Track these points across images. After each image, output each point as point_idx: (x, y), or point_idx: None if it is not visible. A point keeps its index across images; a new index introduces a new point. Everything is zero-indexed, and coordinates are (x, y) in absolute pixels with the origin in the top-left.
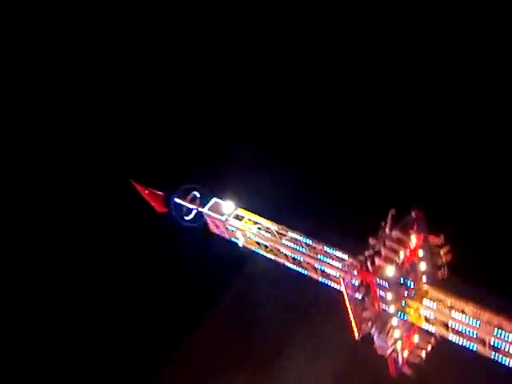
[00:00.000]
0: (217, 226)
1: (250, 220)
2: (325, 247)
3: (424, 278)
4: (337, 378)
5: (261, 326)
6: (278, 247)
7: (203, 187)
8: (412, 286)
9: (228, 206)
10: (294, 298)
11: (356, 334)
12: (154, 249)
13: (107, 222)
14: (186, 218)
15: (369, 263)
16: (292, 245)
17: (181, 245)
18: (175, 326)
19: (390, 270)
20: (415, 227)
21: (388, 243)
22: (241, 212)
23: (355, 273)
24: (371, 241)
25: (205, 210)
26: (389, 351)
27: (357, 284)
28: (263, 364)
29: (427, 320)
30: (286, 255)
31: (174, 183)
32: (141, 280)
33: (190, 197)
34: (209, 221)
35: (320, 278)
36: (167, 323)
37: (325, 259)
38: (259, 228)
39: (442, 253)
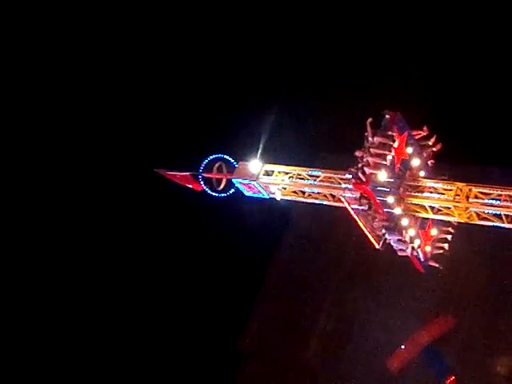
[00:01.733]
0: (250, 188)
1: (280, 172)
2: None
3: (422, 173)
4: None
5: None
6: (316, 190)
7: (225, 155)
8: (410, 184)
9: (255, 166)
10: None
11: (375, 244)
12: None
13: (141, 214)
14: (218, 189)
15: (360, 174)
16: (327, 183)
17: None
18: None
19: (382, 175)
20: (395, 128)
21: (373, 150)
22: (269, 167)
23: (351, 186)
24: (358, 153)
25: (233, 176)
26: (409, 251)
27: (358, 197)
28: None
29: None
30: (325, 195)
31: (193, 160)
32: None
33: (215, 168)
34: (241, 185)
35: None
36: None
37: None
38: (291, 177)
39: (430, 143)
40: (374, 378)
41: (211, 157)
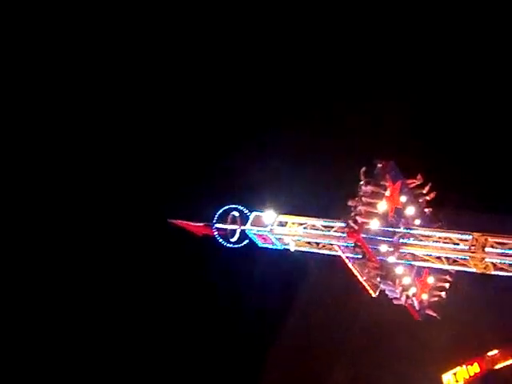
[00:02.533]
0: (264, 239)
1: (293, 223)
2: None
3: (417, 221)
4: None
5: None
6: (329, 241)
7: (239, 205)
8: (405, 231)
9: (269, 216)
10: None
11: (371, 293)
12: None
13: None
14: (232, 240)
15: (353, 223)
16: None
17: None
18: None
19: (374, 223)
20: (387, 177)
21: (365, 199)
22: (283, 218)
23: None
24: (351, 202)
25: (247, 226)
26: (403, 299)
27: (351, 245)
28: None
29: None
30: (339, 246)
31: (206, 211)
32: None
33: (229, 218)
34: (255, 236)
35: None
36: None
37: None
38: (305, 227)
39: (424, 192)
40: None
41: (225, 207)
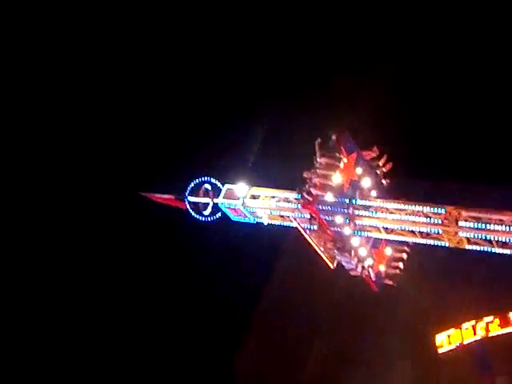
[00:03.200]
0: (237, 212)
1: (266, 196)
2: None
3: (374, 193)
4: None
5: None
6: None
7: (210, 177)
8: (360, 204)
9: (241, 189)
10: None
11: (329, 264)
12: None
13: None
14: (204, 212)
15: (307, 195)
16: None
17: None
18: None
19: (329, 196)
20: (342, 149)
21: (319, 171)
22: (255, 190)
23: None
24: (306, 174)
25: (219, 199)
26: (359, 270)
27: (306, 217)
28: None
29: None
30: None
31: (178, 183)
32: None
33: (201, 191)
34: (227, 210)
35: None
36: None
37: None
38: (278, 200)
39: (380, 164)
40: None
41: (197, 180)
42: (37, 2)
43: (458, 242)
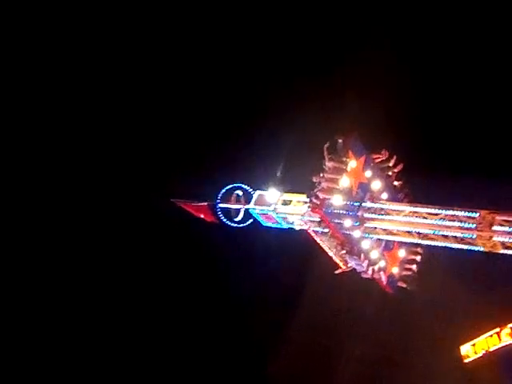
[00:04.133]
0: (268, 218)
1: (298, 201)
2: None
3: (385, 195)
4: None
5: None
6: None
7: (242, 184)
8: (370, 207)
9: (272, 195)
10: None
11: (342, 266)
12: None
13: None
14: (236, 219)
15: (315, 199)
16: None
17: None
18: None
19: (336, 199)
20: (350, 152)
21: (326, 175)
22: (287, 196)
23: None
24: (315, 178)
25: (251, 205)
26: (370, 273)
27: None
28: None
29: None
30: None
31: (208, 190)
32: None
33: (233, 198)
34: (259, 215)
35: None
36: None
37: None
38: (309, 206)
39: (390, 165)
40: None
41: (228, 186)
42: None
43: (492, 247)
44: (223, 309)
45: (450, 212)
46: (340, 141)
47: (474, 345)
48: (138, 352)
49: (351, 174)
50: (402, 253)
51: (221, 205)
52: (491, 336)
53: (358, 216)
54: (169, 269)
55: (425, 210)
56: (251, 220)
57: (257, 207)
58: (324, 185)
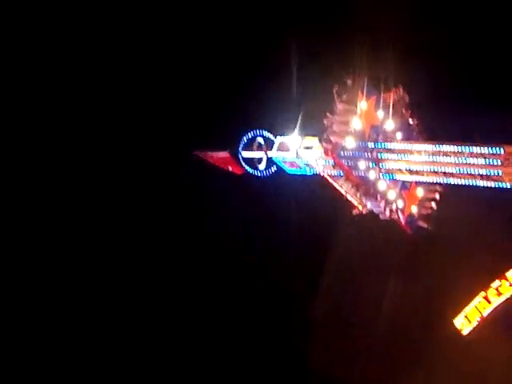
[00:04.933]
0: (292, 165)
1: (320, 146)
2: None
3: (399, 135)
4: None
5: None
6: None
7: (263, 130)
8: (383, 147)
9: (294, 140)
10: None
11: (360, 208)
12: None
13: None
14: (259, 167)
15: (327, 143)
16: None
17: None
18: None
19: (349, 141)
20: (360, 93)
21: (338, 118)
22: (308, 141)
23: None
24: (325, 122)
25: (273, 153)
26: (387, 214)
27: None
28: None
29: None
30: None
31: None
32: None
33: (255, 146)
34: (282, 162)
35: None
36: None
37: None
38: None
39: (404, 103)
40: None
41: (249, 133)
42: None
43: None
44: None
45: (474, 149)
46: (349, 82)
47: (466, 316)
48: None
49: (363, 116)
50: (420, 192)
51: (243, 153)
52: (480, 302)
53: (372, 157)
54: (194, 224)
55: (447, 148)
56: (275, 168)
57: (279, 154)
58: (335, 128)
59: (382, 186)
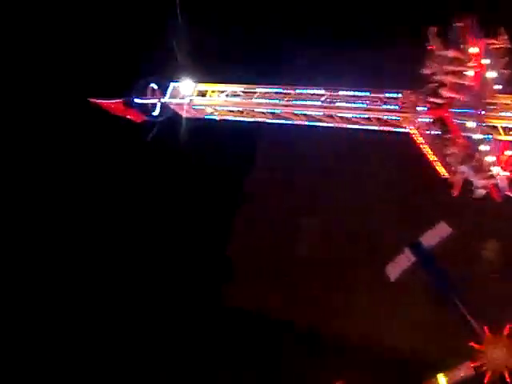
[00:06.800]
0: (186, 110)
1: (213, 91)
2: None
3: (497, 87)
4: None
5: None
6: (252, 107)
7: (156, 76)
8: (492, 102)
9: (187, 86)
10: None
11: (443, 172)
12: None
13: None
14: (154, 113)
15: (435, 98)
16: (265, 100)
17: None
18: None
19: (465, 96)
20: (468, 37)
21: (448, 68)
22: (202, 86)
23: (422, 110)
24: (426, 70)
25: (166, 99)
26: (485, 181)
27: (428, 121)
28: None
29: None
30: (263, 113)
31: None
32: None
33: (148, 91)
34: (176, 108)
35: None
36: None
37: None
38: (227, 95)
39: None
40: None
41: (141, 79)
42: None
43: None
44: None
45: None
46: (458, 24)
47: None
48: None
49: (474, 65)
50: (509, 153)
51: (137, 100)
52: None
53: (479, 115)
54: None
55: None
56: (171, 113)
57: (172, 100)
58: (445, 79)
59: (483, 148)
